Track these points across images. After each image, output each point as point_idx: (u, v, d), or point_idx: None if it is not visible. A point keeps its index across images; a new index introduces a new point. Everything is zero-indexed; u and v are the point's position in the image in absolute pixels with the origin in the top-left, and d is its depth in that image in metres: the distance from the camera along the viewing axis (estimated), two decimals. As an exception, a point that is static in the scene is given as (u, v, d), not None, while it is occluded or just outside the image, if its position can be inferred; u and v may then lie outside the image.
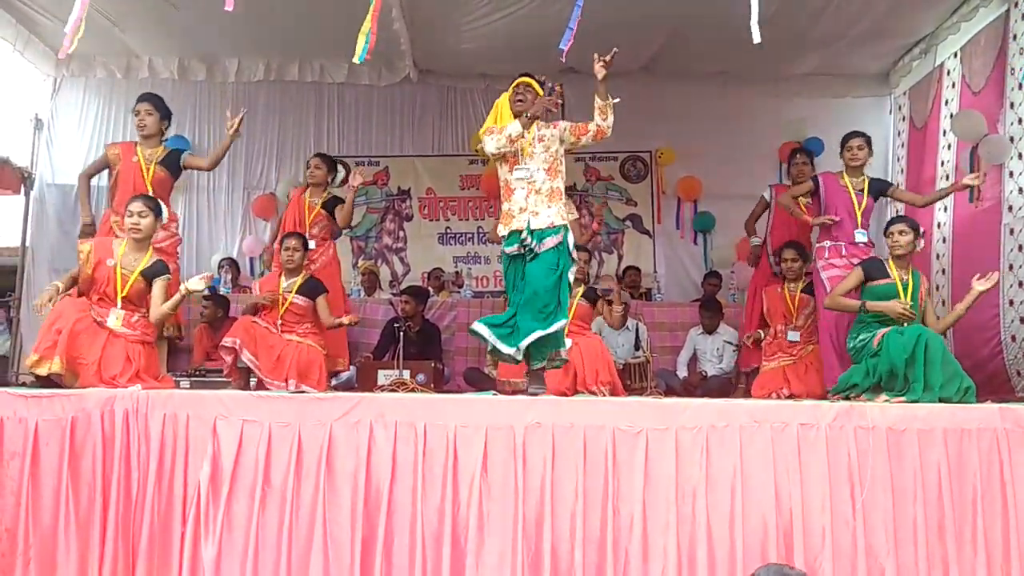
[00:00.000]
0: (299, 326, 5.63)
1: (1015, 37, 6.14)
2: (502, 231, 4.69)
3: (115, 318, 4.45)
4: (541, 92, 4.78)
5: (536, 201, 4.61)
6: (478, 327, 4.53)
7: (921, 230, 5.06)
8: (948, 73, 7.24)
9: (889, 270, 4.91)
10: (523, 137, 4.60)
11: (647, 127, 8.73)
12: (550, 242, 4.59)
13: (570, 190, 9.07)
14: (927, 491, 3.69)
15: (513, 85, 4.81)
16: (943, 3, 7.00)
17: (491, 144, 4.62)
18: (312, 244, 6.09)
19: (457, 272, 8.54)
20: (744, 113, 8.56)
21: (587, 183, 9.12)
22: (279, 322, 5.58)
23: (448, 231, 9.09)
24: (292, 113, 8.95)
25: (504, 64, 8.43)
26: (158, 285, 4.57)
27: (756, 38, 4.18)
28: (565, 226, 4.66)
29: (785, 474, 3.71)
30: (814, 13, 7.07)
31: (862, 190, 5.55)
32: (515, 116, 4.71)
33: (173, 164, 5.59)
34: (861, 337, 4.83)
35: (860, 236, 5.46)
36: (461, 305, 7.58)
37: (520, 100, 4.72)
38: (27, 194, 7.59)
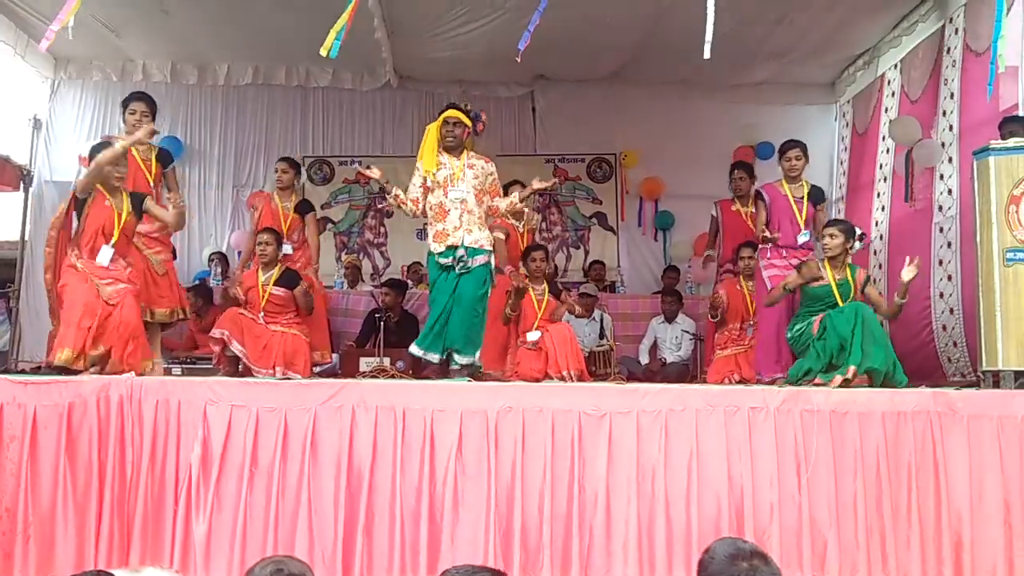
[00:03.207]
0: (282, 316, 5.57)
1: (948, 51, 6.22)
2: (437, 248, 4.75)
3: (106, 256, 4.42)
4: (469, 122, 4.82)
5: (469, 220, 4.71)
6: (414, 350, 4.78)
7: (859, 231, 5.05)
8: (889, 83, 7.33)
9: (824, 271, 4.88)
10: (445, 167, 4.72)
11: (613, 131, 8.82)
12: (480, 260, 4.70)
13: (540, 191, 9.10)
14: (866, 469, 3.75)
15: (442, 119, 4.81)
16: (886, 18, 7.08)
17: (409, 211, 4.89)
18: (289, 248, 5.93)
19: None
20: (702, 119, 8.60)
21: (555, 177, 9.12)
22: (261, 314, 5.50)
23: (427, 227, 9.05)
24: (279, 115, 8.85)
25: (479, 71, 8.46)
26: (148, 201, 4.68)
27: (706, 54, 4.21)
28: (491, 251, 4.79)
29: (737, 454, 3.75)
30: (768, 28, 7.14)
31: (802, 197, 5.43)
32: (445, 150, 4.79)
33: (165, 160, 5.36)
34: (798, 327, 4.86)
35: (802, 238, 5.35)
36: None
37: (451, 135, 4.77)
38: (26, 190, 7.47)
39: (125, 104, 5.21)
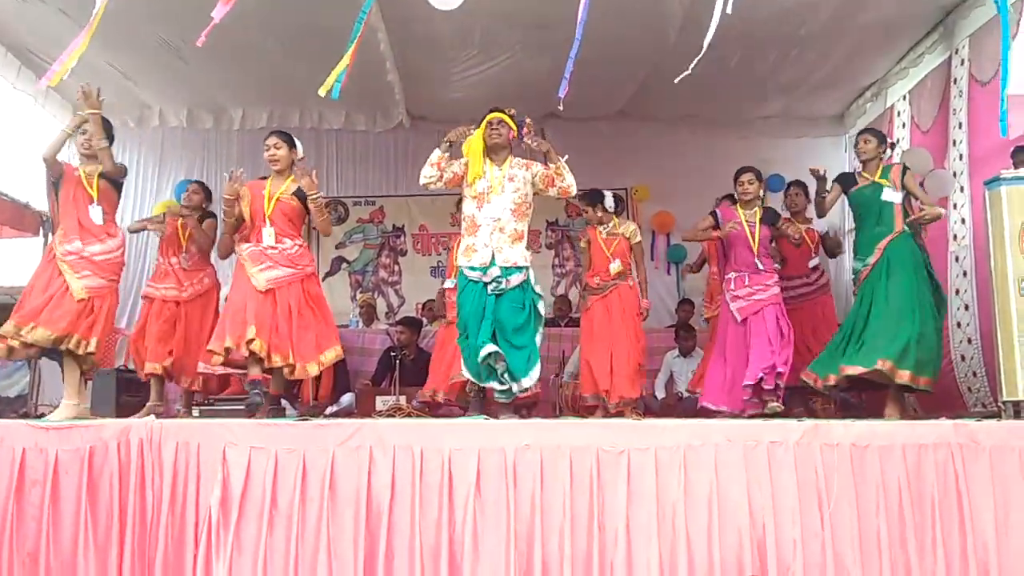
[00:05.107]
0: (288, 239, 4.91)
1: (955, 81, 6.26)
2: (464, 262, 4.62)
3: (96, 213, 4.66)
4: (514, 126, 4.74)
5: (500, 240, 4.56)
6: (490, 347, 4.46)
7: (889, 140, 5.59)
8: (898, 114, 7.36)
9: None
10: (484, 176, 4.61)
11: (624, 166, 8.87)
12: (515, 279, 4.55)
13: (552, 224, 9.18)
14: (889, 503, 3.71)
15: (487, 120, 4.74)
16: (893, 51, 7.14)
17: (424, 174, 4.69)
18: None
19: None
20: (712, 153, 8.64)
21: (568, 218, 9.19)
22: (267, 230, 4.86)
23: (440, 265, 9.11)
24: (295, 158, 8.99)
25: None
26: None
27: (690, 71, 4.24)
28: (527, 267, 4.64)
29: (758, 489, 3.71)
30: (776, 62, 7.21)
31: (754, 222, 5.48)
32: (489, 149, 4.68)
33: (114, 177, 4.95)
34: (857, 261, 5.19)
35: (758, 264, 5.41)
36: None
37: (496, 134, 4.67)
38: (45, 236, 7.57)
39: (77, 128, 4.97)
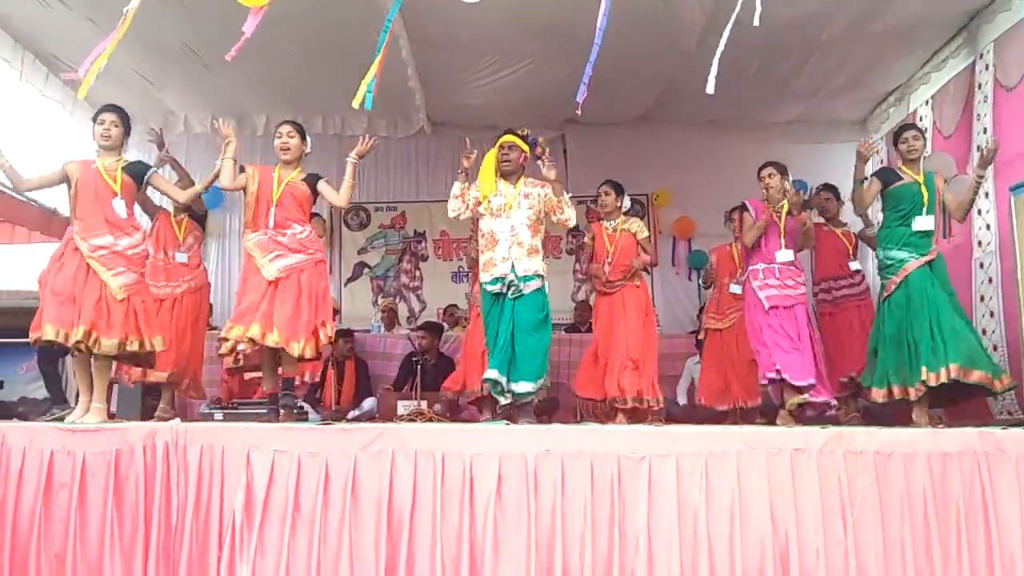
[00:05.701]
0: (292, 231, 4.85)
1: (980, 86, 6.20)
2: (485, 277, 4.73)
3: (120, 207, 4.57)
4: (526, 148, 4.81)
5: (518, 252, 4.67)
6: (492, 375, 4.62)
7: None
8: (921, 119, 7.30)
9: (905, 174, 5.11)
10: (500, 194, 4.71)
11: (643, 171, 8.86)
12: (533, 285, 4.66)
13: (573, 231, 9.17)
14: (913, 512, 3.67)
15: (499, 144, 4.82)
16: (915, 55, 7.09)
17: (451, 208, 4.86)
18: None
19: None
20: (733, 158, 8.59)
21: (588, 223, 9.16)
22: (271, 213, 4.78)
23: (461, 270, 9.13)
24: (315, 162, 8.86)
25: (510, 116, 8.50)
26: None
27: (710, 89, 4.22)
28: (543, 276, 4.74)
29: (780, 497, 3.68)
30: (795, 67, 7.18)
31: (780, 214, 5.44)
32: (502, 175, 4.78)
33: (137, 174, 4.76)
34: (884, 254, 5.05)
35: (781, 256, 5.35)
36: (474, 338, 7.59)
37: (506, 160, 4.77)
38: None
39: (94, 118, 4.79)
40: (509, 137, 4.81)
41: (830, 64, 7.13)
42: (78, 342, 4.36)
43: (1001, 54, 5.91)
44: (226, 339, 4.65)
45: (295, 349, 4.60)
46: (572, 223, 4.89)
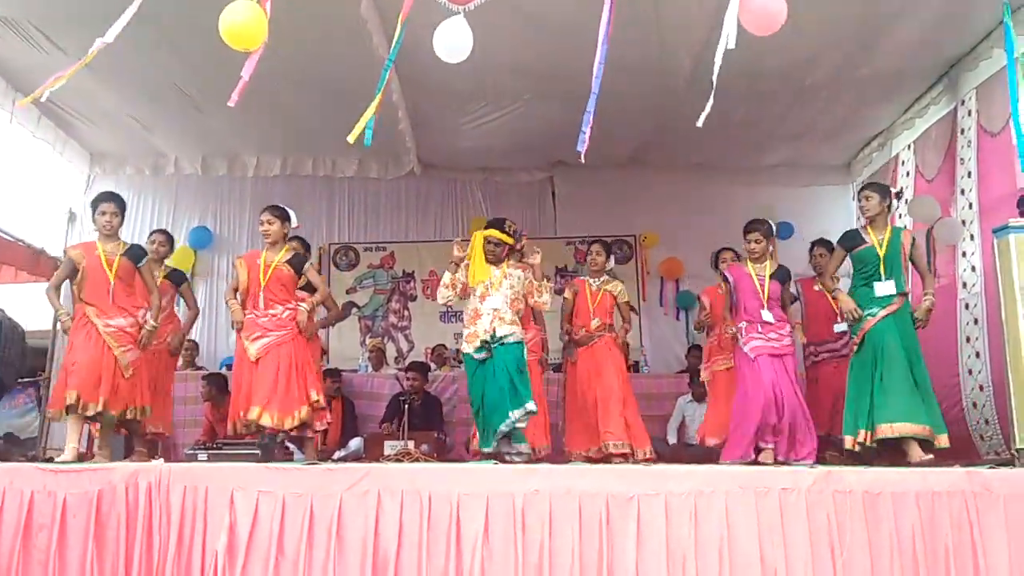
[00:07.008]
0: (279, 306, 5.18)
1: (963, 131, 6.31)
2: (468, 348, 5.00)
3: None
4: (510, 240, 5.13)
5: (500, 325, 4.96)
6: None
7: (894, 190, 5.62)
8: (903, 163, 7.42)
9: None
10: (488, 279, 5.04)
11: (631, 213, 8.97)
12: (513, 338, 4.96)
13: (562, 271, 9.21)
14: (903, 551, 3.65)
15: (485, 237, 5.10)
16: (897, 102, 7.22)
17: (441, 297, 5.17)
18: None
19: (458, 348, 8.55)
20: (720, 200, 8.71)
21: (577, 264, 9.22)
22: (261, 295, 5.11)
23: (449, 310, 9.11)
24: (307, 204, 9.05)
25: (500, 158, 8.68)
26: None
27: (700, 123, 4.26)
28: (522, 339, 5.06)
29: (769, 537, 3.66)
30: (780, 113, 7.30)
31: (763, 276, 5.42)
32: (488, 263, 5.07)
33: (135, 258, 5.05)
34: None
35: (765, 315, 5.33)
36: (462, 378, 7.54)
37: (491, 254, 5.08)
38: (60, 281, 7.63)
39: (95, 205, 5.09)
40: (494, 233, 5.09)
41: (814, 110, 7.25)
42: (97, 412, 4.83)
43: (984, 101, 6.02)
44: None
45: (288, 423, 4.98)
46: (547, 308, 5.35)
